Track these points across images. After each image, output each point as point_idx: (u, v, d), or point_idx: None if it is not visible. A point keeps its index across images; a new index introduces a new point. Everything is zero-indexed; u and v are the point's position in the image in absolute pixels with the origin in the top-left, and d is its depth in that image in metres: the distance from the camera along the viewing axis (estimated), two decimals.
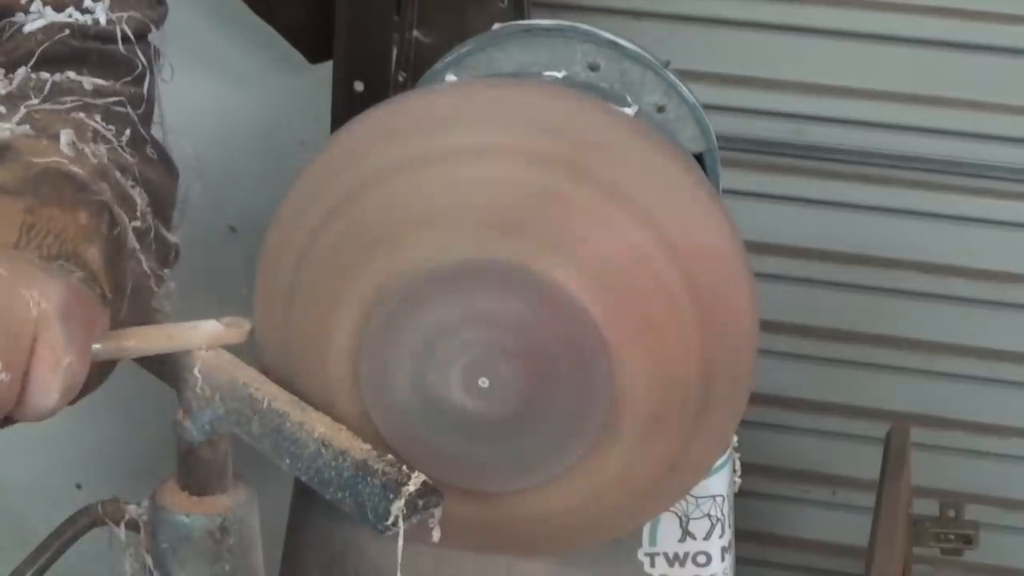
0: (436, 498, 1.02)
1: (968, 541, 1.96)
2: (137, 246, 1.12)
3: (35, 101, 1.12)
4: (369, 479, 1.02)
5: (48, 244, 1.04)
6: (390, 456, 1.04)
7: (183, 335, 1.08)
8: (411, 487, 1.01)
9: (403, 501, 1.01)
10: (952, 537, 1.95)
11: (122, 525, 1.11)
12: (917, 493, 1.95)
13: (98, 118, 1.14)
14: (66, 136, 1.10)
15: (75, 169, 1.09)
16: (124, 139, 1.15)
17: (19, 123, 1.10)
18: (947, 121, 2.09)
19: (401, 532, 1.02)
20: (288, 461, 1.05)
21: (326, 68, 1.91)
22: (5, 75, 1.14)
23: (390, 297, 1.08)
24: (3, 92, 1.13)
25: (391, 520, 1.01)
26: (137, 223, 1.12)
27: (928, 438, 2.14)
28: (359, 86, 1.85)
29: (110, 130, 1.14)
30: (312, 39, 1.98)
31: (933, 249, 2.14)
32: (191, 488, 1.10)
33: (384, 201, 1.08)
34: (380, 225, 1.08)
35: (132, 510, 1.12)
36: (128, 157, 1.13)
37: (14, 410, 0.99)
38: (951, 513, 1.97)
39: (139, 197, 1.13)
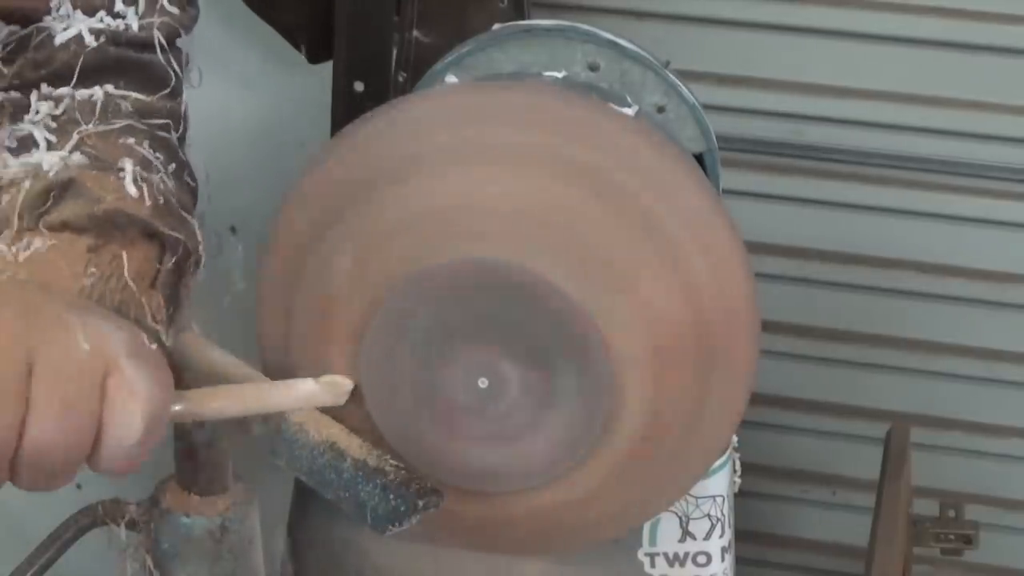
0: (436, 498, 1.02)
1: (968, 541, 1.96)
2: (194, 277, 1.08)
3: (87, 126, 1.08)
4: (369, 479, 1.02)
5: (111, 289, 1.00)
6: (390, 456, 1.04)
7: (277, 397, 1.04)
8: (411, 487, 1.02)
9: (403, 501, 1.01)
10: (952, 537, 1.95)
11: (122, 525, 1.11)
12: (917, 493, 1.95)
13: (146, 144, 1.09)
14: (129, 171, 1.06)
15: (137, 205, 1.05)
16: (170, 166, 1.11)
17: (72, 150, 1.06)
18: (946, 121, 2.09)
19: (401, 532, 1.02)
20: (288, 462, 1.05)
21: (326, 68, 1.91)
22: (44, 93, 1.10)
23: (392, 299, 1.08)
24: (51, 114, 1.08)
25: (391, 520, 1.01)
26: (196, 252, 1.09)
27: (928, 438, 2.14)
28: (359, 86, 1.85)
29: (158, 158, 1.10)
30: (312, 39, 1.97)
31: (932, 249, 2.14)
32: (191, 488, 1.10)
33: (383, 203, 1.08)
34: (379, 227, 1.09)
35: (132, 510, 1.12)
36: (173, 185, 1.10)
37: (94, 456, 0.93)
38: (951, 513, 1.97)
39: (196, 226, 1.09)
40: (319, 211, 1.10)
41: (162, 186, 1.08)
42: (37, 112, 1.08)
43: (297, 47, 2.01)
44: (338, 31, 1.87)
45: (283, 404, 1.04)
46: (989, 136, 2.08)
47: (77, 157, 1.06)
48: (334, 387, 1.07)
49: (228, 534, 1.10)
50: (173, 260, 1.06)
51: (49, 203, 1.03)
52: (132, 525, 1.11)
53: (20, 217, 1.02)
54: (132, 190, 1.05)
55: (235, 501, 1.11)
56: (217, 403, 1.01)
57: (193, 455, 1.09)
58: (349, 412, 1.10)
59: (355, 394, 1.11)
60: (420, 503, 1.01)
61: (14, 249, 1.01)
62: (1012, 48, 2.04)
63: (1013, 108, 2.07)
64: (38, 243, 1.01)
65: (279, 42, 2.01)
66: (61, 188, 1.04)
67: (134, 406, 0.91)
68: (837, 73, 2.09)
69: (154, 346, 0.97)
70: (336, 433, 1.05)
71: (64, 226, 1.02)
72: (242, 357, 1.09)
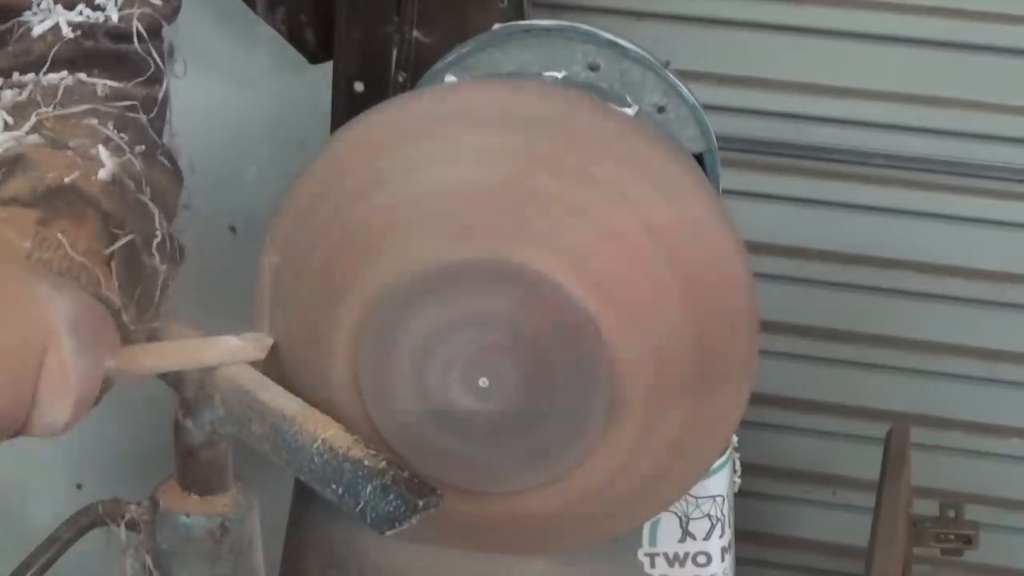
0: (436, 498, 1.02)
1: (968, 541, 1.96)
2: (151, 258, 1.10)
3: (47, 109, 1.10)
4: (369, 480, 1.02)
5: (60, 258, 1.02)
6: (390, 456, 1.04)
7: (201, 352, 1.07)
8: (411, 488, 1.01)
9: (403, 501, 1.01)
10: (952, 537, 1.95)
11: (122, 525, 1.11)
12: (917, 493, 1.95)
13: (111, 125, 1.11)
14: (78, 146, 1.08)
15: (87, 182, 1.07)
16: (137, 147, 1.12)
17: (30, 131, 1.08)
18: (946, 121, 2.09)
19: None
20: (288, 461, 1.05)
21: (326, 68, 1.91)
22: (13, 81, 1.12)
23: (387, 300, 1.08)
24: (14, 101, 1.10)
25: (391, 520, 1.01)
26: (151, 234, 1.10)
27: (928, 438, 2.14)
28: (359, 86, 1.85)
29: (123, 138, 1.11)
30: (312, 39, 1.98)
31: (932, 249, 2.14)
32: (191, 488, 1.10)
33: (379, 205, 1.08)
34: (376, 228, 1.09)
35: (132, 510, 1.12)
36: (139, 166, 1.11)
37: (24, 427, 0.97)
38: (951, 513, 1.97)
39: (154, 208, 1.11)
40: (317, 211, 1.10)
41: (122, 165, 1.09)
42: (1, 99, 1.10)
43: (297, 47, 2.01)
44: (338, 31, 1.87)
45: (207, 359, 1.07)
46: (989, 136, 2.08)
47: (32, 137, 1.08)
48: (257, 342, 1.10)
49: (228, 534, 1.10)
50: (125, 237, 1.07)
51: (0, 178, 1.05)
52: (132, 525, 1.11)
53: None
54: (79, 164, 1.07)
55: (235, 501, 1.11)
56: (148, 360, 1.05)
57: (193, 455, 1.09)
58: (349, 412, 1.10)
59: (355, 394, 1.11)
60: (420, 503, 1.01)
61: None
62: (1012, 48, 2.04)
63: (1013, 108, 2.07)
64: None
65: (279, 42, 2.01)
66: (11, 164, 1.05)
67: (65, 393, 0.96)
68: (837, 73, 2.09)
69: (98, 306, 1.00)
70: (336, 433, 1.05)
71: (13, 200, 1.04)
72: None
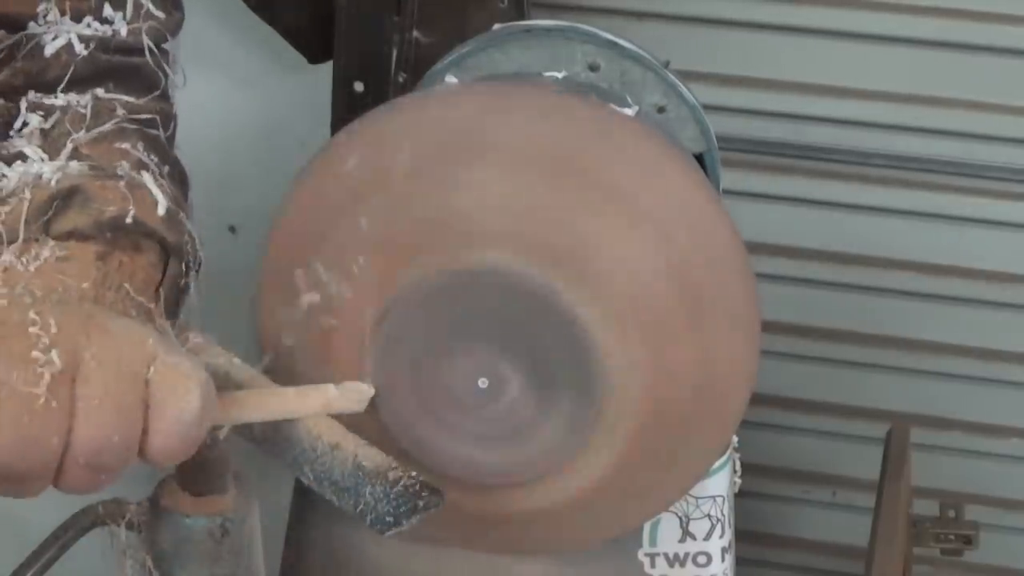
0: (436, 498, 1.02)
1: (968, 541, 1.96)
2: (191, 279, 1.09)
3: (79, 134, 1.08)
4: (369, 479, 1.02)
5: (121, 297, 1.01)
6: (390, 456, 1.04)
7: (298, 403, 1.04)
8: (411, 488, 1.01)
9: (403, 502, 1.01)
10: (952, 537, 1.95)
11: (122, 525, 1.11)
12: (917, 493, 1.95)
13: (140, 147, 1.10)
14: (124, 175, 1.06)
15: (140, 211, 1.05)
16: (165, 167, 1.11)
17: (69, 159, 1.06)
18: (947, 121, 2.08)
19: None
20: (288, 462, 1.05)
21: (326, 68, 1.91)
22: (33, 102, 1.10)
23: (392, 303, 1.08)
24: (40, 127, 1.08)
25: (391, 521, 1.01)
26: (194, 256, 1.10)
27: (928, 438, 2.14)
28: (359, 86, 1.85)
29: (153, 159, 1.10)
30: (312, 39, 1.98)
31: (933, 249, 2.14)
32: (191, 488, 1.10)
33: (381, 207, 1.09)
34: (378, 230, 1.09)
35: (132, 510, 1.11)
36: (168, 186, 1.10)
37: (142, 453, 0.94)
38: (951, 513, 1.97)
39: (194, 231, 1.09)
40: (319, 211, 1.10)
41: (162, 191, 1.08)
42: (26, 124, 1.09)
43: (297, 47, 2.01)
44: (338, 31, 1.87)
45: (305, 410, 1.04)
46: (989, 136, 2.08)
47: (75, 165, 1.06)
48: (355, 393, 1.07)
49: (228, 534, 1.10)
50: (179, 263, 1.07)
51: (52, 212, 1.03)
52: (132, 525, 1.11)
53: (26, 227, 1.02)
54: (129, 195, 1.05)
55: (235, 501, 1.11)
56: (241, 410, 1.02)
57: (193, 455, 1.09)
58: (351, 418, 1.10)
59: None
60: (420, 503, 1.01)
61: (23, 260, 1.00)
62: (1012, 48, 2.04)
63: (1013, 108, 2.07)
64: (46, 253, 1.01)
65: (279, 42, 2.01)
66: (65, 196, 1.04)
67: (186, 384, 0.92)
68: (837, 73, 2.09)
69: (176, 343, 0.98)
70: (336, 433, 1.05)
71: (70, 235, 1.02)
72: (243, 358, 1.09)
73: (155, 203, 1.06)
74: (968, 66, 2.06)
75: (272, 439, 1.06)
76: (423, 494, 1.01)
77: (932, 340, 2.18)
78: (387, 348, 1.09)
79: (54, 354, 0.90)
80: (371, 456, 1.03)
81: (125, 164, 1.07)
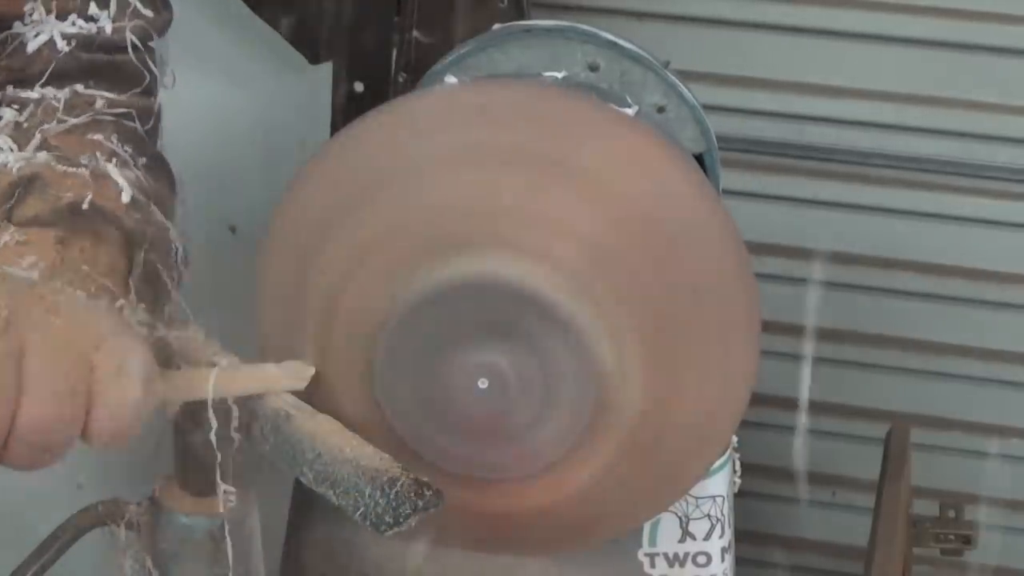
0: (436, 499, 1.02)
1: (968, 541, 1.96)
2: (167, 270, 1.10)
3: (49, 125, 1.09)
4: (369, 480, 1.02)
5: (81, 279, 1.02)
6: (390, 456, 1.04)
7: (241, 381, 1.05)
8: (411, 488, 1.01)
9: (403, 502, 1.01)
10: (952, 537, 1.95)
11: (122, 525, 1.11)
12: (917, 493, 1.95)
13: (114, 138, 1.11)
14: (89, 163, 1.08)
15: (104, 199, 1.07)
16: (140, 159, 1.12)
17: (37, 149, 1.08)
18: (947, 121, 2.09)
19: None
20: (288, 462, 1.05)
21: (326, 68, 1.91)
22: (10, 96, 1.11)
23: (393, 306, 1.08)
24: (15, 120, 1.10)
25: (391, 521, 1.01)
26: (166, 247, 1.10)
27: (928, 438, 2.14)
28: (359, 86, 1.85)
29: (127, 151, 1.11)
30: (312, 39, 1.98)
31: (933, 249, 2.14)
32: (191, 488, 1.10)
33: (383, 205, 1.09)
34: (379, 231, 1.09)
35: (132, 510, 1.11)
36: (143, 177, 1.11)
37: (84, 435, 0.95)
38: (951, 513, 1.97)
39: (166, 221, 1.10)
40: (319, 212, 1.10)
41: (129, 180, 1.09)
42: (1, 118, 1.10)
43: (297, 47, 2.01)
44: (338, 31, 1.87)
45: (248, 387, 1.05)
46: (989, 136, 2.08)
47: (42, 155, 1.07)
48: (296, 372, 1.09)
49: (228, 534, 1.10)
50: (143, 251, 1.07)
51: (14, 200, 1.04)
52: (132, 525, 1.11)
53: None
54: (91, 182, 1.07)
55: (235, 501, 1.11)
56: (186, 385, 1.03)
57: (193, 455, 1.09)
58: (349, 412, 1.10)
59: (355, 394, 1.11)
60: (420, 503, 1.01)
61: None
62: (1012, 48, 2.04)
63: (1013, 108, 2.07)
64: (6, 237, 1.03)
65: (279, 42, 2.01)
66: (26, 184, 1.05)
67: (127, 383, 0.94)
68: (837, 73, 2.10)
69: (134, 327, 0.99)
70: (336, 434, 1.05)
71: (32, 221, 1.04)
72: (243, 358, 1.09)
73: (119, 192, 1.08)
74: (968, 66, 2.06)
75: (272, 439, 1.06)
76: (423, 494, 1.01)
77: (932, 340, 2.18)
78: (388, 349, 1.09)
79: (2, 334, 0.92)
80: (371, 456, 1.03)
81: (96, 154, 1.09)
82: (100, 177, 1.08)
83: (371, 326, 1.09)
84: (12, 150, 1.07)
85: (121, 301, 1.03)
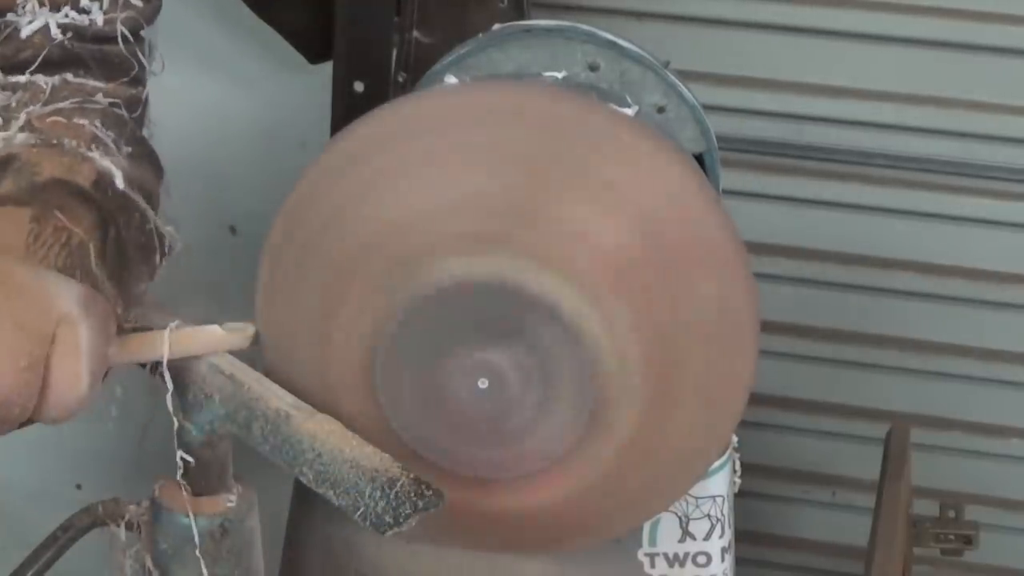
0: (436, 499, 1.02)
1: (968, 541, 1.96)
2: (138, 251, 1.11)
3: (35, 107, 1.11)
4: (369, 480, 1.02)
5: (55, 255, 1.03)
6: (390, 456, 1.04)
7: (187, 341, 1.08)
8: (411, 488, 1.01)
9: (403, 502, 1.01)
10: (952, 537, 1.95)
11: (122, 525, 1.11)
12: (917, 493, 1.95)
13: (98, 123, 1.13)
14: (68, 144, 1.09)
15: (77, 178, 1.08)
16: (125, 147, 1.14)
17: (20, 130, 1.09)
18: (947, 121, 2.08)
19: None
20: (288, 462, 1.05)
21: (326, 68, 1.91)
22: (1, 82, 1.13)
23: (393, 307, 1.08)
24: (3, 104, 1.11)
25: (391, 521, 1.01)
26: (139, 227, 1.12)
27: (928, 438, 2.14)
28: (359, 86, 1.85)
29: (110, 135, 1.12)
30: (312, 39, 1.98)
31: (933, 249, 2.14)
32: (191, 488, 1.10)
33: (382, 209, 1.09)
34: (379, 232, 1.09)
35: (132, 510, 1.12)
36: (125, 162, 1.13)
37: (37, 410, 0.98)
38: (951, 513, 1.97)
39: (142, 203, 1.12)
40: (320, 212, 1.10)
41: (109, 163, 1.10)
42: None
43: (297, 47, 2.01)
44: (338, 31, 1.87)
45: (193, 348, 1.08)
46: (989, 136, 2.08)
47: (22, 136, 1.09)
48: (241, 330, 1.10)
49: (228, 534, 1.10)
50: (115, 229, 1.08)
51: None
52: (132, 525, 1.11)
53: None
54: (68, 162, 1.08)
55: (235, 501, 1.11)
56: (137, 348, 1.06)
57: (193, 455, 1.09)
58: (350, 412, 1.10)
59: (356, 394, 1.11)
60: (420, 503, 1.01)
61: None
62: (1012, 48, 2.04)
63: (1013, 108, 2.07)
64: None
65: (279, 42, 2.01)
66: (3, 163, 1.07)
67: (79, 372, 0.97)
68: (837, 73, 2.09)
69: (101, 297, 1.01)
70: (336, 433, 1.05)
71: (6, 199, 1.05)
72: (244, 358, 1.10)
73: (96, 173, 1.09)
74: (968, 66, 2.06)
75: (272, 440, 1.06)
76: (423, 494, 1.01)
77: (932, 340, 2.18)
78: (388, 349, 1.09)
79: None
80: (371, 456, 1.03)
81: (75, 138, 1.10)
82: (78, 158, 1.09)
83: (372, 326, 1.10)
84: None
85: (90, 277, 1.04)
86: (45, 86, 1.13)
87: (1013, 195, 2.10)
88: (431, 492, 1.02)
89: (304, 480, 1.05)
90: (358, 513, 1.02)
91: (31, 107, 1.11)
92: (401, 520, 1.01)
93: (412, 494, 1.01)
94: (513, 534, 1.18)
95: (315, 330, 1.12)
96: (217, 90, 2.12)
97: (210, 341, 1.08)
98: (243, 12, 1.99)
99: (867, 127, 2.11)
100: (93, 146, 1.11)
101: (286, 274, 1.12)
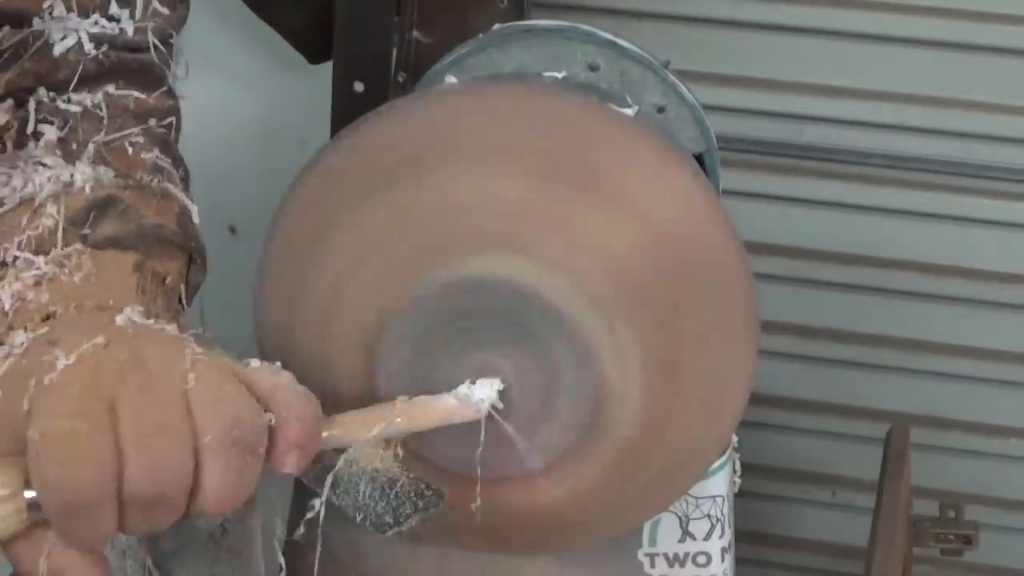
0: (436, 499, 1.02)
1: (968, 541, 1.96)
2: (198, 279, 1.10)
3: (99, 137, 1.08)
4: (369, 480, 1.02)
5: (158, 307, 1.01)
6: (390, 456, 1.04)
7: (424, 418, 1.03)
8: (411, 488, 1.01)
9: (403, 502, 1.01)
10: (952, 537, 1.95)
11: None
12: (917, 493, 1.95)
13: (157, 151, 1.10)
14: (149, 182, 1.07)
15: (170, 220, 1.07)
16: (180, 171, 1.12)
17: (92, 162, 1.06)
18: (947, 121, 2.09)
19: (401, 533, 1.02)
20: None
21: (326, 68, 1.91)
22: (48, 107, 1.09)
23: (393, 307, 1.08)
24: (59, 136, 1.08)
25: (391, 521, 1.01)
26: (202, 263, 1.11)
27: (928, 438, 2.14)
28: (359, 86, 1.85)
29: (167, 161, 1.10)
30: (312, 39, 1.98)
31: (933, 249, 2.14)
32: None
33: (382, 210, 1.09)
34: (378, 233, 1.09)
35: None
36: (183, 194, 1.11)
37: (197, 499, 0.91)
38: (951, 513, 1.97)
39: (201, 238, 1.11)
40: (320, 212, 1.10)
41: (183, 197, 1.09)
42: (39, 131, 1.08)
43: (297, 47, 2.02)
44: (338, 31, 1.87)
45: (429, 423, 1.03)
46: (989, 136, 2.08)
47: (104, 173, 1.06)
48: (474, 401, 1.06)
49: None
50: (203, 272, 1.08)
51: (91, 221, 1.03)
52: None
53: (64, 235, 1.02)
54: (159, 204, 1.06)
55: None
56: (364, 427, 1.00)
57: None
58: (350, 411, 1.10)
59: (357, 392, 1.11)
60: (420, 503, 1.01)
61: (66, 271, 1.00)
62: (1012, 48, 2.04)
63: (1013, 108, 2.07)
64: (87, 263, 1.01)
65: (279, 42, 2.01)
66: (101, 206, 1.04)
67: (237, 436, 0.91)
68: (837, 73, 2.09)
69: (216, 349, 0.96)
70: (335, 433, 1.04)
71: (108, 243, 1.03)
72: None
73: (182, 211, 1.08)
74: (968, 66, 2.06)
75: None
76: (423, 494, 1.01)
77: (932, 340, 2.18)
78: (388, 350, 1.09)
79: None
80: (370, 456, 1.03)
81: (150, 173, 1.08)
82: (166, 198, 1.08)
83: (372, 325, 1.10)
84: (68, 166, 1.05)
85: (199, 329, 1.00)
86: (100, 112, 1.09)
87: (1012, 195, 2.11)
88: (431, 492, 1.02)
89: (304, 480, 1.05)
90: (358, 513, 1.02)
91: (96, 137, 1.08)
92: (401, 520, 1.01)
93: (412, 494, 1.01)
94: (513, 535, 1.18)
95: (315, 330, 1.12)
96: (217, 90, 2.12)
97: (447, 414, 1.03)
98: (243, 12, 1.99)
99: (867, 127, 2.11)
100: (166, 180, 1.09)
101: (286, 273, 1.12)
